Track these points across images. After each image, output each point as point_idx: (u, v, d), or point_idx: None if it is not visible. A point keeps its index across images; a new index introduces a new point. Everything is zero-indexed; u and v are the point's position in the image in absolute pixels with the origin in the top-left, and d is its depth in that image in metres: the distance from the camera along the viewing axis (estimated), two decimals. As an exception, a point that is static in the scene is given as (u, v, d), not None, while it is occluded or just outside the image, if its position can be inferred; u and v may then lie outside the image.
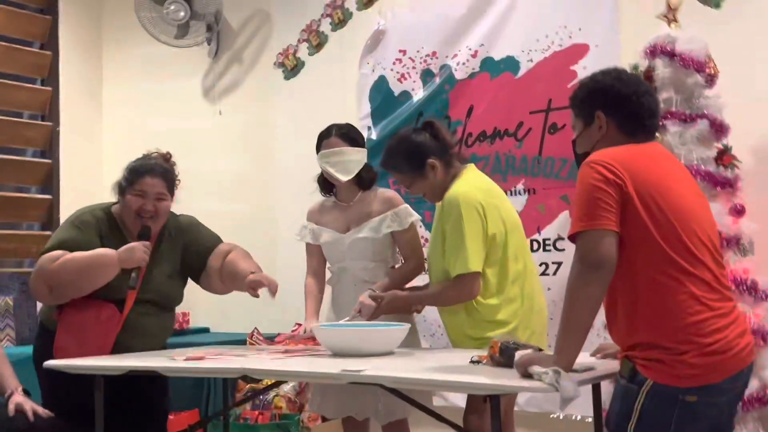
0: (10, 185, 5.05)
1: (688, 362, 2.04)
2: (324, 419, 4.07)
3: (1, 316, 4.06)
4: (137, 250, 3.01)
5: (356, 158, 3.30)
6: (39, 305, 3.75)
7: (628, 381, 2.13)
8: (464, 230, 2.84)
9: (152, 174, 3.13)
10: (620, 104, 2.22)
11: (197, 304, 4.59)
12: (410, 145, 3.04)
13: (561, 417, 3.83)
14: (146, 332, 3.15)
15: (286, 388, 4.15)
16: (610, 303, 2.19)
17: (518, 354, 2.22)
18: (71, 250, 3.02)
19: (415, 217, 3.32)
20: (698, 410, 2.06)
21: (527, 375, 2.11)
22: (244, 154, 4.99)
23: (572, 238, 2.15)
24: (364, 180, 3.34)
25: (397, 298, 3.07)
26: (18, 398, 2.91)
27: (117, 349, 3.06)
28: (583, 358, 2.41)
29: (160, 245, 3.22)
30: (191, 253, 3.30)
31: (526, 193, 4.06)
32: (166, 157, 3.27)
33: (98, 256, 3.00)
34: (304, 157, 3.94)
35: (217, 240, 3.39)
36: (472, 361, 2.45)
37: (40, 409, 2.94)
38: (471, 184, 2.98)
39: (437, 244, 2.99)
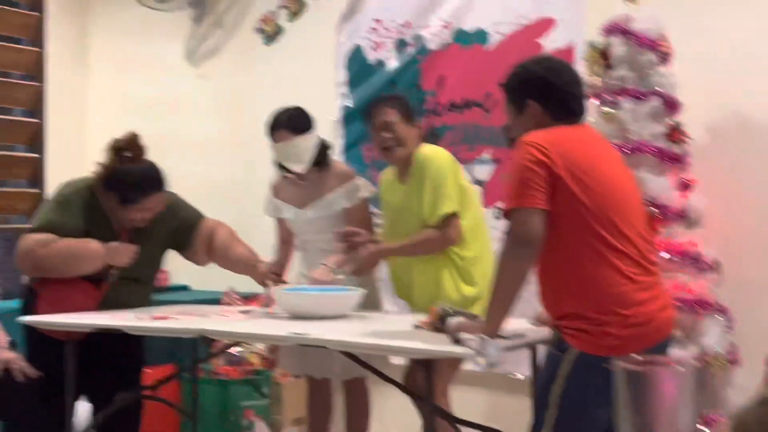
0: (0, 144, 5.17)
1: (610, 333, 2.19)
2: (296, 377, 4.25)
3: (-14, 272, 4.21)
4: (121, 252, 3.16)
5: (306, 146, 3.39)
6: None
7: (555, 349, 2.29)
8: (445, 178, 3.07)
9: (157, 190, 3.23)
10: (550, 93, 2.35)
11: (177, 261, 4.76)
12: (410, 103, 3.38)
13: (520, 377, 3.99)
14: (127, 305, 3.29)
15: (260, 345, 4.32)
16: (541, 275, 2.34)
17: (449, 321, 2.37)
18: (59, 234, 3.14)
19: (364, 191, 3.44)
20: None
21: (457, 341, 2.27)
22: (225, 117, 5.11)
23: (505, 214, 2.30)
24: (318, 162, 3.44)
25: (375, 252, 3.19)
26: (5, 354, 3.06)
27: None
28: (519, 324, 2.58)
29: (150, 229, 3.32)
30: (179, 233, 3.44)
31: (493, 162, 4.18)
32: (134, 139, 3.32)
33: (85, 249, 3.13)
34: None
35: (199, 216, 3.51)
36: (415, 327, 2.61)
37: (30, 371, 3.08)
38: (440, 149, 3.25)
39: (411, 203, 3.15)
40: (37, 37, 5.20)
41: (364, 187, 3.45)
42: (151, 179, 3.24)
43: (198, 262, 3.54)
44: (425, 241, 3.09)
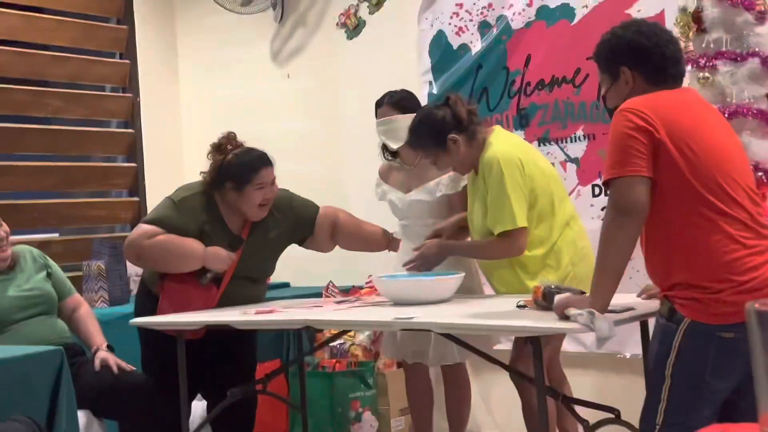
0: (98, 156, 5.35)
1: (724, 300, 2.11)
2: (398, 366, 4.26)
3: (96, 280, 4.35)
4: (221, 258, 3.23)
5: (407, 125, 3.41)
6: (135, 268, 4.04)
7: (666, 320, 2.22)
8: (507, 187, 2.93)
9: (266, 164, 3.33)
10: (643, 57, 2.28)
11: (278, 260, 4.84)
12: (430, 124, 3.12)
13: (626, 356, 3.90)
14: (241, 303, 3.35)
15: (361, 337, 4.35)
16: (648, 246, 2.28)
17: (557, 297, 2.33)
18: (168, 230, 3.23)
19: (467, 181, 3.43)
20: (735, 346, 2.11)
21: (565, 317, 2.23)
22: (312, 115, 5.15)
23: (606, 185, 2.24)
24: None
25: (441, 248, 3.18)
26: (103, 354, 3.18)
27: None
28: (627, 299, 2.52)
29: (269, 228, 3.40)
30: (300, 226, 3.52)
31: (586, 139, 4.11)
32: (233, 137, 3.41)
33: (186, 248, 3.21)
34: (368, 115, 4.08)
35: (315, 206, 3.59)
36: (518, 306, 2.58)
37: (124, 363, 3.20)
38: (507, 142, 3.08)
39: (476, 208, 3.09)
40: (127, 50, 5.35)
41: (465, 178, 3.43)
42: (258, 156, 3.35)
43: (322, 250, 3.63)
44: (487, 248, 3.06)
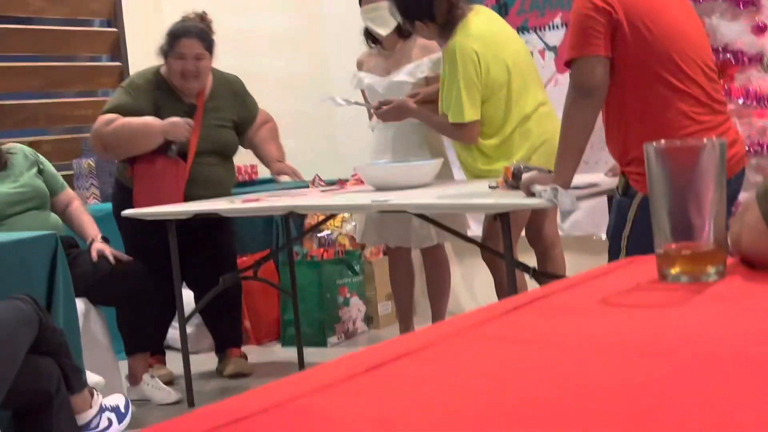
0: (83, 55, 5.37)
1: None
2: (384, 254, 4.42)
3: (86, 177, 4.46)
4: (180, 125, 3.33)
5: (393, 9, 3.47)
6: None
7: (621, 195, 2.34)
8: (459, 80, 3.01)
9: (188, 36, 3.41)
10: None
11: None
12: (406, 2, 3.15)
13: (602, 237, 4.05)
14: (211, 181, 3.50)
15: (348, 227, 4.49)
16: (607, 124, 2.38)
17: (524, 176, 2.45)
18: (125, 114, 3.35)
19: None
20: None
21: (531, 194, 2.36)
22: (297, 10, 5.16)
23: (567, 65, 2.33)
24: (404, 30, 3.52)
25: (403, 105, 3.30)
26: (98, 245, 3.30)
27: (188, 199, 3.41)
28: (593, 177, 2.64)
29: (211, 101, 3.51)
30: (241, 119, 3.63)
31: (564, 26, 4.15)
32: (203, 17, 3.51)
33: (144, 125, 3.34)
34: (352, 13, 4.10)
35: (256, 108, 3.72)
36: (490, 187, 2.70)
37: (120, 253, 3.33)
38: (470, 32, 3.09)
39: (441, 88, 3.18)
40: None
41: None
42: (183, 26, 3.47)
43: (242, 145, 3.75)
44: (445, 128, 3.20)
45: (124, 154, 3.44)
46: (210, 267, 3.55)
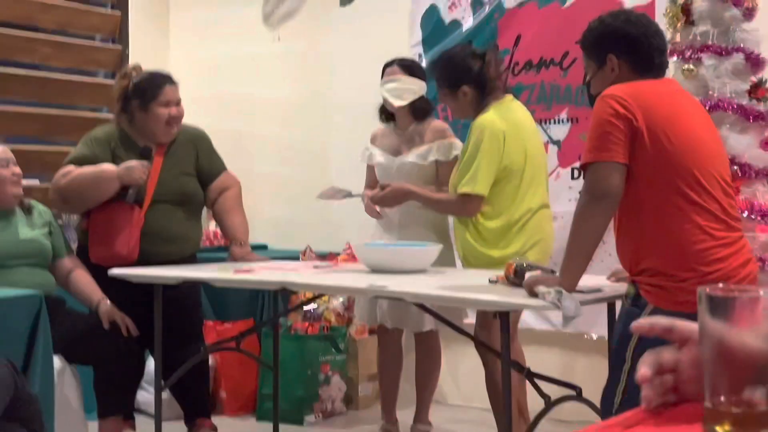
0: (84, 105, 5.34)
1: (688, 289, 2.16)
2: (370, 332, 4.33)
3: (74, 229, 4.38)
4: (135, 169, 3.28)
5: (412, 87, 3.53)
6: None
7: (631, 304, 2.29)
8: (481, 153, 3.06)
9: (170, 82, 3.44)
10: (631, 46, 2.33)
11: (256, 221, 4.88)
12: (457, 63, 3.25)
13: (593, 337, 3.99)
14: (170, 235, 3.40)
15: (335, 302, 4.41)
16: (619, 230, 2.34)
17: (527, 275, 2.39)
18: (82, 166, 3.31)
19: (459, 152, 3.49)
20: None
21: (534, 294, 2.30)
22: (301, 80, 5.17)
23: (583, 168, 2.30)
24: (418, 110, 3.59)
25: (401, 189, 3.30)
26: (108, 310, 3.20)
27: (146, 253, 3.31)
28: (596, 280, 2.59)
29: (171, 149, 3.48)
30: (201, 173, 3.56)
31: (569, 122, 4.16)
32: (139, 68, 3.52)
33: (99, 171, 3.29)
34: (358, 82, 4.12)
35: (222, 165, 3.64)
36: (490, 281, 2.64)
37: (130, 322, 3.22)
38: (500, 114, 3.16)
39: (460, 161, 3.22)
40: (119, 1, 5.32)
41: (458, 147, 3.51)
42: (159, 74, 3.48)
43: (205, 204, 3.66)
44: (445, 203, 3.23)
45: (82, 205, 3.39)
46: (176, 335, 3.38)
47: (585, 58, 2.45)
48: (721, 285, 0.83)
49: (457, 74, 3.22)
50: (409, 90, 3.55)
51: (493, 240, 3.12)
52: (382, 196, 3.31)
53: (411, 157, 3.54)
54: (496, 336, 2.72)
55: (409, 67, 3.62)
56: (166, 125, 3.40)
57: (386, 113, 3.68)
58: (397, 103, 3.56)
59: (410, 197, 3.33)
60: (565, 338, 4.06)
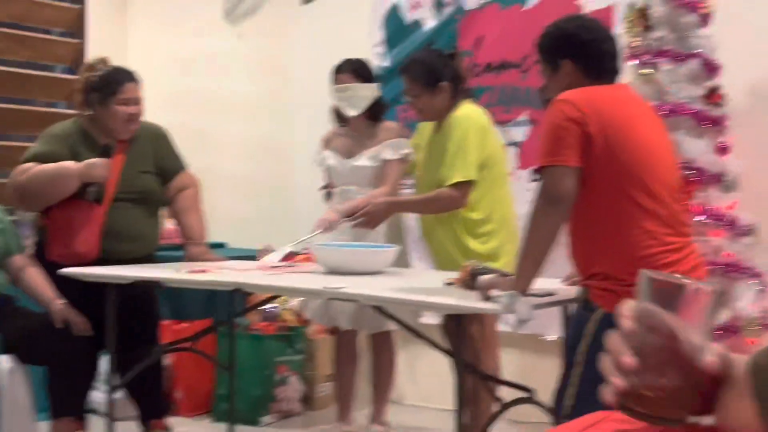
0: (41, 101, 5.26)
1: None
2: (328, 332, 4.31)
3: (29, 225, 4.30)
4: (97, 166, 3.23)
5: (365, 94, 3.53)
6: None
7: (582, 308, 2.30)
8: (469, 143, 3.13)
9: (131, 80, 3.38)
10: (584, 51, 2.34)
11: (215, 218, 4.83)
12: (433, 62, 3.30)
13: (548, 338, 4.01)
14: (130, 233, 3.36)
15: (293, 302, 4.38)
16: (571, 234, 2.35)
17: (481, 278, 2.40)
18: (42, 163, 3.25)
19: (408, 151, 3.51)
20: None
21: (488, 297, 2.30)
22: (263, 76, 5.13)
23: (537, 172, 2.31)
24: (372, 113, 3.57)
25: (381, 205, 3.25)
26: (61, 309, 3.15)
27: (106, 252, 3.27)
28: (550, 283, 2.60)
29: (132, 147, 3.43)
30: (161, 170, 3.51)
31: (530, 123, 4.18)
32: (106, 61, 3.46)
33: (60, 168, 3.22)
34: (320, 80, 4.07)
35: (182, 164, 3.59)
36: (446, 284, 2.64)
37: (82, 321, 3.16)
38: (475, 111, 3.29)
39: (430, 162, 3.26)
40: (78, -5, 5.25)
41: (406, 145, 3.52)
42: (122, 71, 3.41)
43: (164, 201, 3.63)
44: (435, 200, 3.22)
45: (41, 202, 3.31)
46: (131, 335, 3.34)
47: (540, 63, 2.46)
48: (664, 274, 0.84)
49: (437, 71, 3.26)
50: (362, 97, 3.55)
51: (478, 232, 3.20)
52: (367, 221, 3.25)
53: (363, 159, 3.54)
54: (490, 330, 2.81)
55: (359, 71, 3.59)
56: (125, 122, 3.35)
57: (340, 116, 3.67)
58: (353, 112, 3.56)
59: (394, 210, 3.32)
60: (522, 340, 4.07)
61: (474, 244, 3.20)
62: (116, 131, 3.37)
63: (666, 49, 3.33)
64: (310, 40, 4.90)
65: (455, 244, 3.22)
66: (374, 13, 4.65)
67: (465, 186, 3.14)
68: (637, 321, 0.84)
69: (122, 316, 3.20)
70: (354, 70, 3.58)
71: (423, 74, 3.28)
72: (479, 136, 3.19)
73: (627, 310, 0.84)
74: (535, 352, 4.13)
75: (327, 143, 3.73)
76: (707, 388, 0.84)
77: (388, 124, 3.65)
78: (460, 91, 3.31)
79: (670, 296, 0.83)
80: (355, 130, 3.63)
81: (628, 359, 0.84)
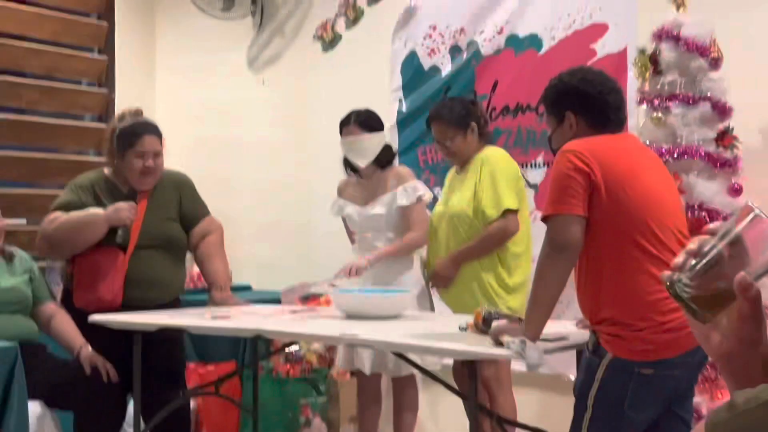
0: (70, 149, 5.40)
1: (645, 338, 2.23)
2: (351, 375, 4.36)
3: (59, 272, 4.42)
4: (123, 209, 3.32)
5: (373, 144, 3.63)
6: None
7: (591, 353, 2.34)
8: (509, 177, 3.34)
9: (149, 132, 3.43)
10: (587, 103, 2.41)
11: (241, 261, 4.93)
12: (463, 105, 3.51)
13: (571, 378, 4.03)
14: (154, 280, 3.43)
15: (317, 344, 4.44)
16: (579, 280, 2.40)
17: (493, 324, 2.45)
18: (69, 212, 3.34)
19: (422, 192, 3.60)
20: (654, 382, 2.25)
21: (499, 343, 2.35)
22: (285, 122, 5.25)
23: (544, 220, 2.37)
24: (382, 161, 3.67)
25: (446, 263, 3.41)
26: (89, 355, 3.23)
27: (131, 298, 3.34)
28: (562, 327, 2.65)
29: (155, 194, 3.50)
30: (184, 217, 3.58)
31: (545, 165, 4.24)
32: (139, 112, 3.53)
33: (87, 215, 3.32)
34: (338, 126, 4.16)
35: (205, 210, 3.66)
36: (460, 329, 2.70)
37: (110, 367, 3.25)
38: (502, 150, 3.54)
39: (460, 198, 3.40)
40: (106, 46, 5.41)
41: (422, 189, 3.61)
42: (142, 123, 3.46)
43: (188, 248, 3.69)
44: (490, 237, 3.34)
45: (70, 249, 3.39)
46: (158, 378, 3.39)
47: (546, 114, 2.53)
48: None
49: (468, 113, 3.46)
50: (370, 147, 3.66)
51: (512, 266, 3.38)
52: (436, 282, 3.47)
53: (377, 207, 3.63)
54: (504, 371, 2.87)
55: (366, 122, 3.69)
56: (140, 175, 3.42)
57: (350, 165, 3.77)
58: (362, 162, 3.68)
59: (458, 262, 3.40)
60: (542, 380, 4.10)
61: (506, 277, 3.37)
62: (132, 182, 3.45)
63: (676, 93, 3.39)
64: (330, 86, 5.01)
65: (484, 275, 3.34)
66: (393, 60, 4.75)
67: (512, 214, 3.31)
68: (715, 232, 0.95)
69: (148, 360, 3.28)
70: (361, 121, 3.68)
71: (455, 117, 3.44)
72: (512, 171, 3.40)
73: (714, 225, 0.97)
74: (557, 392, 4.14)
75: (341, 191, 3.83)
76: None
77: (398, 170, 3.75)
78: (484, 134, 3.50)
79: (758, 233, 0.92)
80: (366, 178, 3.73)
81: (694, 246, 0.94)
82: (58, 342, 3.40)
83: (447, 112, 3.47)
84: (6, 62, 4.96)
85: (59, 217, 3.36)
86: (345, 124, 3.70)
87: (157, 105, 5.63)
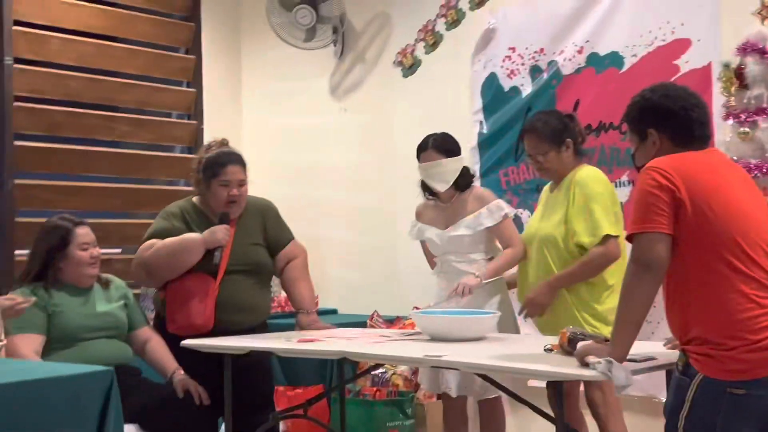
0: (161, 179, 5.58)
1: (737, 357, 2.18)
2: (438, 397, 4.37)
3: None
4: (218, 231, 3.42)
5: (452, 168, 3.64)
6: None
7: (681, 373, 2.30)
8: (605, 201, 3.25)
9: (233, 162, 3.52)
10: (669, 119, 2.38)
11: (325, 286, 5.00)
12: (561, 120, 3.45)
13: (662, 400, 3.94)
14: (243, 304, 3.51)
15: (403, 367, 4.46)
16: (667, 299, 2.36)
17: (579, 345, 2.43)
18: (162, 239, 3.44)
19: (507, 209, 3.59)
20: (746, 403, 2.18)
21: (585, 364, 2.33)
22: (368, 149, 5.31)
23: (629, 239, 2.35)
24: (461, 184, 3.67)
25: (544, 289, 3.35)
26: (182, 380, 3.33)
27: (221, 322, 3.42)
28: (651, 347, 2.61)
29: (241, 221, 3.58)
30: (269, 242, 3.66)
31: (630, 184, 4.19)
32: (225, 142, 3.64)
33: (184, 239, 3.42)
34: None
35: (290, 235, 3.73)
36: (545, 350, 2.68)
37: (202, 390, 3.35)
38: (599, 171, 3.43)
39: (553, 219, 3.35)
40: (194, 79, 5.58)
41: (505, 206, 3.62)
42: (227, 154, 3.55)
43: (274, 272, 3.76)
44: (590, 263, 3.26)
45: (167, 274, 3.47)
46: (247, 401, 3.47)
47: (629, 132, 2.51)
48: None
49: (564, 128, 3.42)
50: (449, 171, 3.65)
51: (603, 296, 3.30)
52: (532, 310, 3.39)
53: (461, 228, 3.63)
54: (611, 395, 2.83)
55: (443, 146, 3.69)
56: (224, 204, 3.50)
57: (429, 189, 3.76)
58: (442, 187, 3.68)
59: (556, 288, 3.33)
60: (632, 402, 4.03)
61: (595, 305, 3.29)
62: (217, 211, 3.55)
63: (763, 106, 3.32)
64: (411, 110, 5.05)
65: (575, 298, 3.30)
66: (473, 82, 4.78)
67: (612, 239, 3.21)
68: None
69: (239, 383, 3.36)
70: (438, 146, 3.68)
71: (551, 132, 3.40)
72: (608, 194, 3.31)
73: None
74: (649, 414, 4.06)
75: (419, 216, 3.83)
76: None
77: (478, 191, 3.75)
78: (579, 152, 3.45)
79: None
80: (445, 201, 3.74)
81: None
82: (151, 366, 3.51)
83: (541, 126, 3.43)
84: (100, 97, 5.18)
85: (155, 243, 3.47)
86: (422, 149, 3.72)
87: (244, 134, 5.79)
